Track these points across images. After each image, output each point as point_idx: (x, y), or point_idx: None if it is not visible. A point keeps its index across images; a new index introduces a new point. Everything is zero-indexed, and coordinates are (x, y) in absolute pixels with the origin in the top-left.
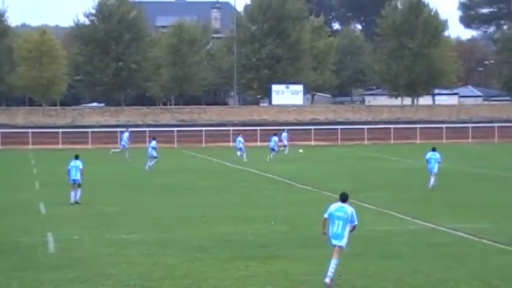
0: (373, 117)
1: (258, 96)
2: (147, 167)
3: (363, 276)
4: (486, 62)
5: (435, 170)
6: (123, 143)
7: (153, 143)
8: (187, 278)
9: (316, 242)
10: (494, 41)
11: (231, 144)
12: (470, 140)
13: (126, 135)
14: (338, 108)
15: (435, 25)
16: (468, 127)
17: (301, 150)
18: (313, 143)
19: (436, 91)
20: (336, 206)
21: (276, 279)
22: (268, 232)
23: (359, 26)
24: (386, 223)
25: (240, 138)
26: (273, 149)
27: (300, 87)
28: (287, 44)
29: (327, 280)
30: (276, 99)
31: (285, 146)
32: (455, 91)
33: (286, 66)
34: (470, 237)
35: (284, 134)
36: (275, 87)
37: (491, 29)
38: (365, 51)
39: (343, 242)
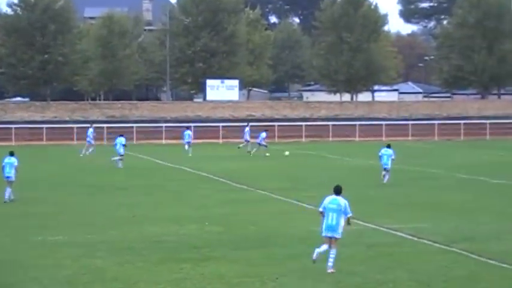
0: (311, 114)
1: (192, 92)
2: (119, 165)
3: (301, 277)
4: (426, 58)
5: (388, 166)
6: (88, 139)
7: (122, 139)
8: (118, 281)
9: (251, 243)
10: (434, 36)
11: (164, 141)
12: (410, 138)
13: (90, 130)
14: (275, 104)
15: (374, 19)
16: (408, 124)
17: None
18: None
19: (376, 87)
20: (329, 199)
21: (210, 282)
22: (202, 233)
23: (297, 20)
24: None
25: (188, 132)
26: (259, 144)
27: (235, 82)
28: (222, 37)
29: (331, 270)
30: (211, 94)
31: (247, 141)
32: (395, 87)
33: (222, 60)
34: (410, 237)
35: (247, 129)
36: (210, 82)
37: (432, 23)
38: (303, 45)
39: (339, 233)
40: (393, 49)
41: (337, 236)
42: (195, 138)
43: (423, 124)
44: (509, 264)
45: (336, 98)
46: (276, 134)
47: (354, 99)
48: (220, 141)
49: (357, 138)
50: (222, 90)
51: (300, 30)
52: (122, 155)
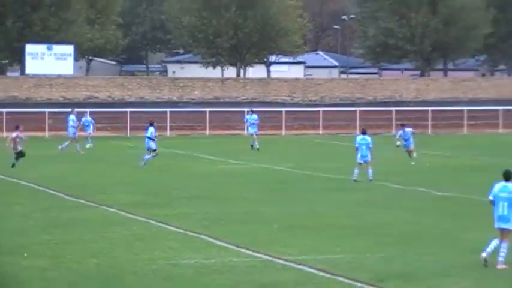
0: (179, 96)
1: (4, 62)
2: (143, 163)
3: None
4: (344, 17)
5: (369, 158)
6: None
7: (152, 130)
8: None
9: (91, 283)
10: None
11: None
12: (320, 131)
13: (72, 117)
14: (127, 81)
15: None
16: (318, 111)
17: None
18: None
19: (273, 58)
20: (499, 186)
21: None
22: (18, 269)
23: None
24: (198, 254)
25: (73, 117)
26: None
27: (69, 49)
28: None
29: (502, 266)
30: (33, 66)
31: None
32: (300, 59)
33: (47, 16)
34: (321, 273)
35: (253, 116)
36: (30, 48)
37: None
38: None
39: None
40: (297, 4)
41: (510, 227)
42: (7, 129)
43: (340, 112)
44: None
45: (216, 73)
46: (129, 125)
47: (242, 75)
48: (47, 133)
49: (245, 132)
50: (49, 60)
51: None
52: (155, 150)
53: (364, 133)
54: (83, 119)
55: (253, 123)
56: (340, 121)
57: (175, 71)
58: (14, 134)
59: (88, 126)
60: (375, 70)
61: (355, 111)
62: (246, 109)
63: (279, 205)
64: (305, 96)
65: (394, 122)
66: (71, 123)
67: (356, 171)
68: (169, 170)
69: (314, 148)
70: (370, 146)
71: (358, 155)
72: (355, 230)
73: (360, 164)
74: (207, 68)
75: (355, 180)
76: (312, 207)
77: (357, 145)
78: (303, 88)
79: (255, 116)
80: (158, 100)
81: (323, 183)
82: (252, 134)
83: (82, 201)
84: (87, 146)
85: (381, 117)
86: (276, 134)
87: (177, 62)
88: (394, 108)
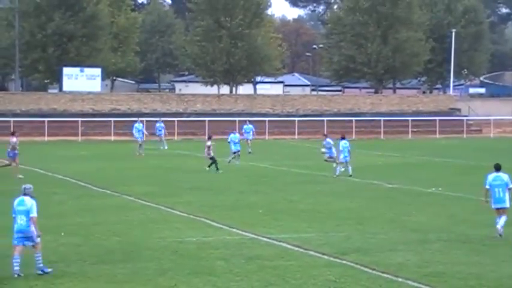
0: (184, 108)
1: (46, 81)
2: (229, 161)
3: None
4: (314, 46)
5: (348, 158)
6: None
7: (236, 136)
8: None
9: (115, 256)
10: (323, 22)
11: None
12: (296, 136)
13: (137, 125)
14: (143, 97)
15: (257, 1)
16: (294, 121)
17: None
18: (112, 138)
19: (258, 79)
20: (492, 176)
21: None
22: (57, 245)
23: (169, 0)
24: (198, 233)
25: (137, 125)
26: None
27: (97, 71)
28: (81, 18)
29: (501, 231)
30: (68, 84)
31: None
32: (279, 79)
33: (80, 46)
34: (296, 249)
35: (249, 126)
36: (67, 71)
37: (320, 8)
38: (176, 30)
39: (507, 204)
40: (277, 36)
41: (507, 206)
42: (49, 135)
43: (311, 121)
44: (404, 278)
45: (213, 90)
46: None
47: (234, 92)
48: (79, 138)
49: (243, 137)
50: (81, 80)
51: (173, 12)
52: (236, 152)
53: (343, 138)
54: (157, 124)
55: (248, 132)
56: (311, 128)
57: (181, 88)
58: (208, 143)
59: (161, 130)
60: (339, 88)
61: (323, 120)
62: (237, 119)
63: (263, 194)
64: (284, 109)
65: (354, 129)
66: (134, 130)
67: (342, 169)
68: (176, 166)
69: (290, 150)
70: (349, 148)
71: (341, 156)
72: (322, 214)
73: (343, 163)
74: (206, 86)
75: (350, 176)
76: (288, 196)
77: (341, 148)
78: (282, 102)
79: (250, 125)
80: (168, 111)
81: (296, 177)
82: (247, 140)
83: (107, 191)
84: (162, 148)
85: (343, 125)
86: (260, 139)
87: (183, 81)
88: (353, 118)
